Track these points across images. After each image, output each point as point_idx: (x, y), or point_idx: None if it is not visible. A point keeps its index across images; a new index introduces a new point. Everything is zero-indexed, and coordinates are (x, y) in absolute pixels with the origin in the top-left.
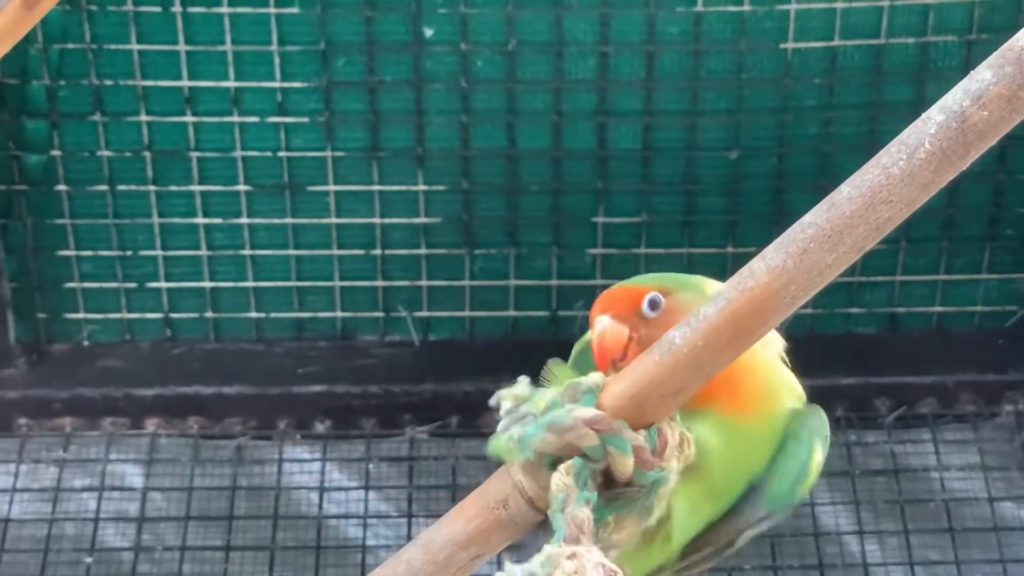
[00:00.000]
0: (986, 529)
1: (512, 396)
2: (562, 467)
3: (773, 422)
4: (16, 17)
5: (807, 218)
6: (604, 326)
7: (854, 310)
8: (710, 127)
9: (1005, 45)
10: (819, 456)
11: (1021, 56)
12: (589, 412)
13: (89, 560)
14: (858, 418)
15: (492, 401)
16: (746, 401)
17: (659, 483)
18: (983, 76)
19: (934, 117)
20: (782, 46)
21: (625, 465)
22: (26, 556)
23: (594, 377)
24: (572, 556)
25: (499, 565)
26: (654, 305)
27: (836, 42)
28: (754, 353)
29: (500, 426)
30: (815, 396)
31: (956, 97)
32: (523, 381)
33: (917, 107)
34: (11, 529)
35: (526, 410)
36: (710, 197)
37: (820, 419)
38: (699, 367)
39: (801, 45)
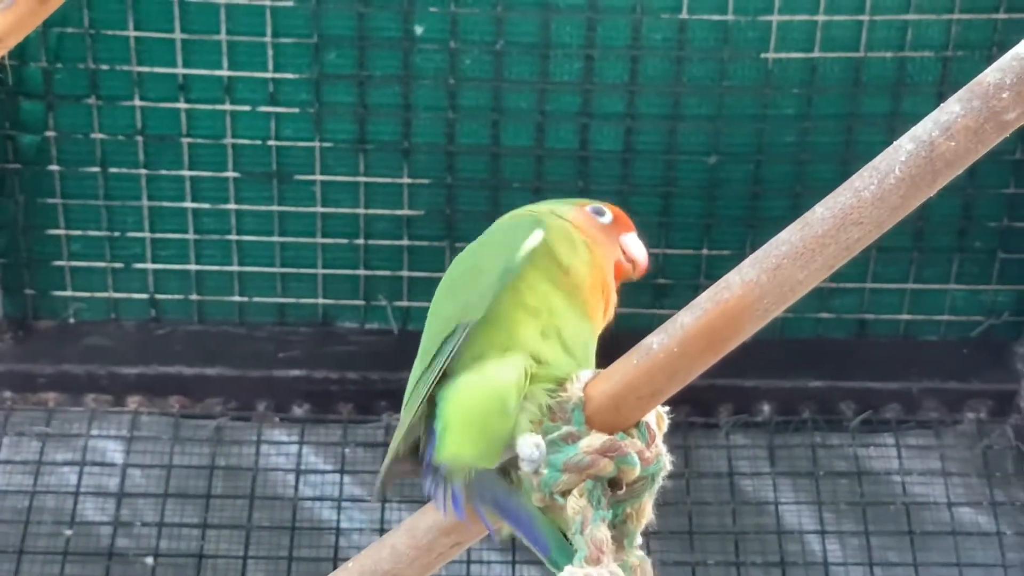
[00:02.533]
0: (945, 533)
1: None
2: (575, 491)
3: None
4: (30, 10)
5: (782, 235)
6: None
7: (824, 315)
8: (690, 132)
9: (974, 80)
10: None
11: (988, 91)
12: (598, 441)
13: (69, 533)
14: (824, 421)
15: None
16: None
17: (660, 470)
18: (952, 109)
19: (904, 145)
20: (763, 55)
21: (633, 473)
22: (7, 527)
23: (575, 392)
24: None
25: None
26: None
27: (816, 53)
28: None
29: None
30: (783, 398)
31: (926, 128)
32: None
33: (893, 120)
34: None
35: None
36: (688, 200)
37: None
38: (674, 372)
39: (782, 55)
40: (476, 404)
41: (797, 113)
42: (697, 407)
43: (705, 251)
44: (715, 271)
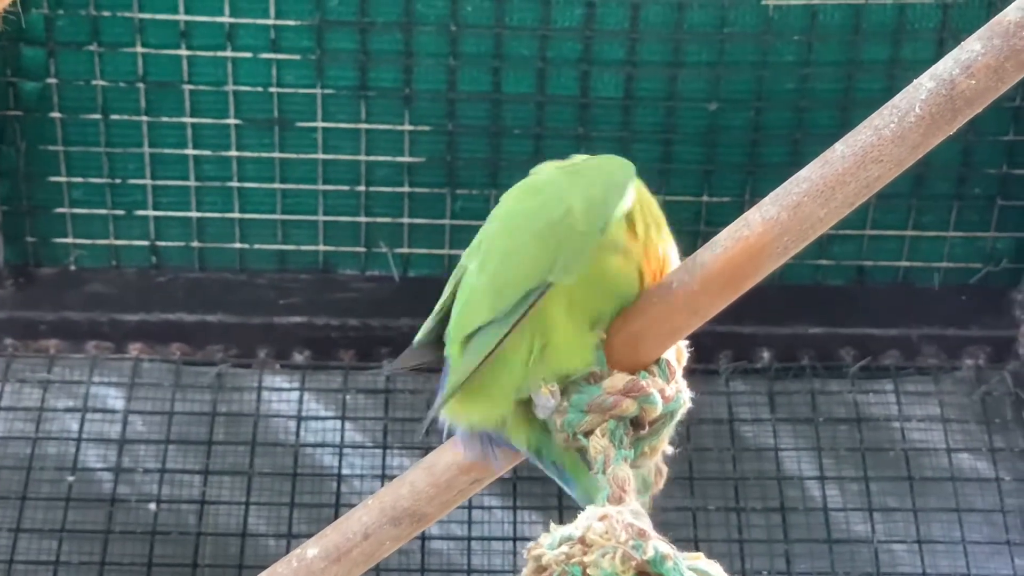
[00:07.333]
0: (943, 479)
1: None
2: (597, 431)
3: None
4: None
5: (802, 173)
6: None
7: (823, 262)
8: (691, 79)
9: (994, 19)
10: None
11: (1008, 29)
12: (620, 382)
13: (71, 479)
14: (823, 367)
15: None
16: None
17: (680, 407)
18: (972, 47)
19: (925, 84)
20: (764, 2)
21: (655, 412)
22: (9, 473)
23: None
24: (603, 517)
25: (544, 527)
26: None
27: (816, 0)
28: None
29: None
30: (782, 344)
31: (946, 66)
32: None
33: (893, 67)
34: None
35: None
36: (688, 147)
37: None
38: (694, 310)
39: (782, 2)
40: (481, 372)
41: (797, 60)
42: (696, 353)
43: (705, 198)
44: (715, 218)
